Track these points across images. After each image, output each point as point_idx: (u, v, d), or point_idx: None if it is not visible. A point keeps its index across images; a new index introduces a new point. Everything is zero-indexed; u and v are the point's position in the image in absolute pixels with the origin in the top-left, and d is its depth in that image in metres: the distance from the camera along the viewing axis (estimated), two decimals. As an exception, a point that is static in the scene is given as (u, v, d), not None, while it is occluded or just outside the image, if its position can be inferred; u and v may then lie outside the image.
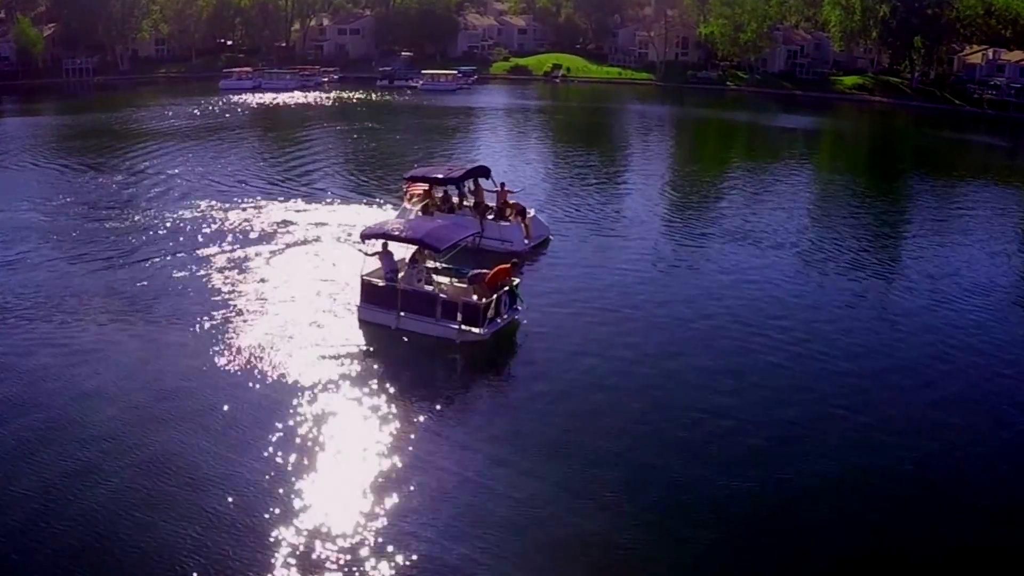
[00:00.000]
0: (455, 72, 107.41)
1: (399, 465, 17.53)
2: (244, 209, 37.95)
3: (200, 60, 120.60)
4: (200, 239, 33.09)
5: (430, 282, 25.19)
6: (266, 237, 33.43)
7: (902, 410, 20.51)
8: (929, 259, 33.71)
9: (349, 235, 33.71)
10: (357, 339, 23.79)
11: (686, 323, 25.38)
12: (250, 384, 20.93)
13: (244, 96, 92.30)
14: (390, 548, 15.01)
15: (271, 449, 17.95)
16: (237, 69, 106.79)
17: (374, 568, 14.55)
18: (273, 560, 14.66)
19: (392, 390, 20.82)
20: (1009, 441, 19.40)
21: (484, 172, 34.66)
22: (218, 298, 26.45)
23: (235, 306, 25.80)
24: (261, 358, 22.26)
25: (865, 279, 30.64)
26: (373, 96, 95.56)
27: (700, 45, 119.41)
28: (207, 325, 24.28)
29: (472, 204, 33.83)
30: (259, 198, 40.25)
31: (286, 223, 35.53)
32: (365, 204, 39.33)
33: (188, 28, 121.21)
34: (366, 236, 25.48)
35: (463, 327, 23.33)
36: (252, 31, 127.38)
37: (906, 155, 70.09)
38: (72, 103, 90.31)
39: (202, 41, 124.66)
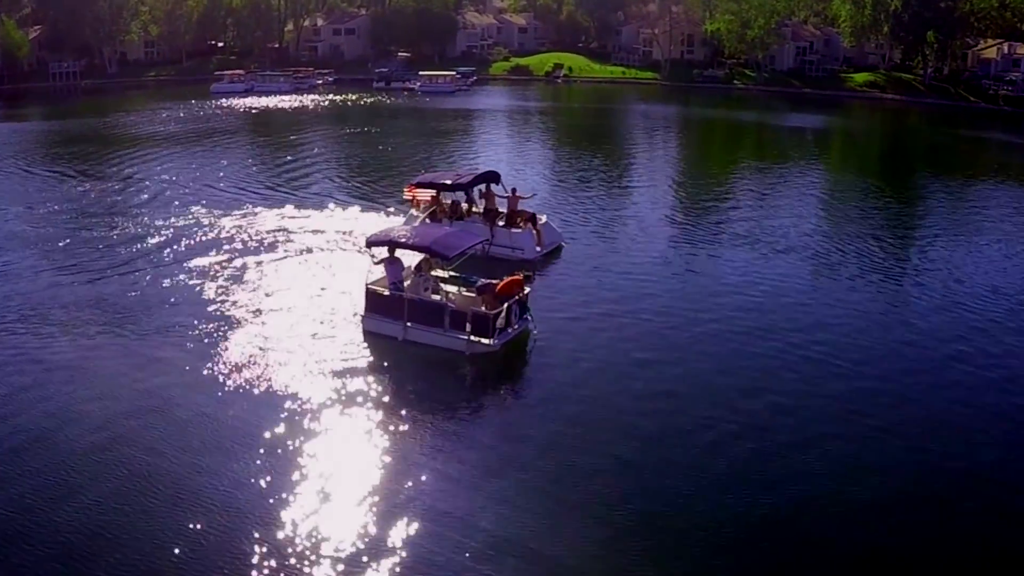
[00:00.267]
0: (453, 73, 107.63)
1: (404, 487, 17.34)
2: (238, 216, 37.99)
3: (191, 62, 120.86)
4: (193, 248, 33.13)
5: (437, 291, 25.18)
6: (262, 245, 33.44)
7: (914, 414, 20.62)
8: (943, 261, 33.68)
9: (346, 242, 33.81)
10: (362, 351, 23.67)
11: (697, 331, 25.31)
12: (247, 400, 20.81)
13: (236, 99, 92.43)
14: (396, 570, 14.96)
15: (269, 470, 17.81)
16: (229, 72, 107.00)
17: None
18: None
19: (399, 405, 20.71)
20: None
21: (494, 177, 34.46)
22: (212, 309, 26.41)
23: (231, 317, 25.74)
24: (259, 372, 22.16)
25: (877, 282, 30.64)
26: (369, 99, 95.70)
27: (706, 42, 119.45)
28: (201, 338, 24.21)
29: (482, 211, 33.68)
30: (253, 205, 40.30)
31: (282, 230, 35.56)
32: (362, 210, 39.35)
33: (178, 29, 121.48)
34: (372, 243, 25.42)
35: (473, 338, 23.19)
36: (244, 32, 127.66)
37: (919, 154, 70.06)
38: (58, 108, 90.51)
39: (193, 43, 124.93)
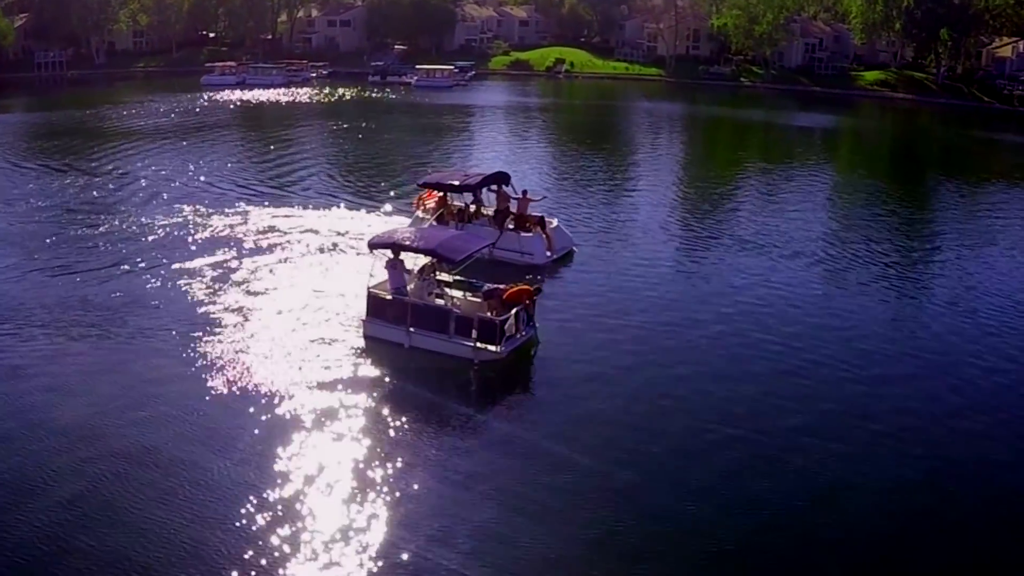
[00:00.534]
0: (452, 67, 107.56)
1: (408, 497, 17.25)
2: (228, 214, 37.95)
3: (181, 53, 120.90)
4: (181, 247, 33.05)
5: (441, 296, 25.03)
6: (253, 245, 33.37)
7: (920, 420, 20.78)
8: (955, 266, 33.76)
9: (341, 242, 33.72)
10: (363, 357, 23.52)
11: (705, 339, 25.35)
12: (239, 408, 20.61)
13: (227, 92, 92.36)
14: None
15: (264, 480, 17.65)
16: (220, 63, 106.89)
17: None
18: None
19: (403, 414, 20.56)
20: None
21: (503, 178, 34.14)
22: (202, 311, 26.28)
23: (221, 321, 25.59)
24: (252, 379, 21.93)
25: (886, 288, 30.67)
26: (364, 93, 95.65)
27: (712, 38, 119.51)
28: (190, 341, 24.07)
29: (492, 213, 33.40)
30: (244, 203, 40.26)
31: (274, 230, 35.49)
32: (357, 209, 39.32)
33: (168, 19, 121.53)
34: (374, 245, 25.26)
35: (479, 345, 23.07)
36: (236, 22, 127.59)
37: (931, 156, 70.15)
38: (44, 99, 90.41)
39: (183, 33, 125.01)
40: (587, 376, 22.71)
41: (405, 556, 15.54)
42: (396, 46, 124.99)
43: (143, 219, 37.22)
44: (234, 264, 30.92)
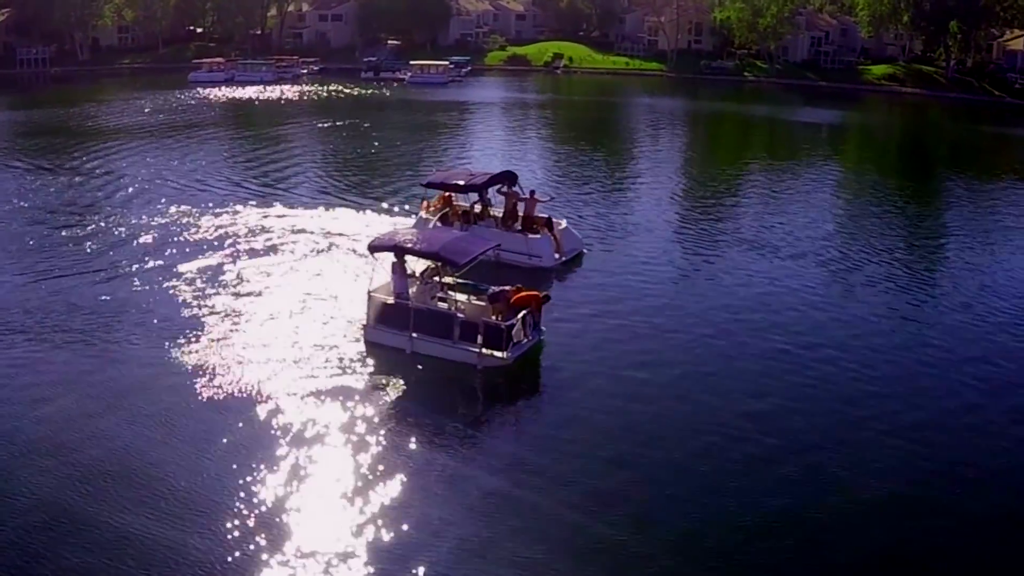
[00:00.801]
0: (447, 63, 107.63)
1: (412, 508, 17.12)
2: (218, 215, 37.89)
3: (167, 50, 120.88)
4: (170, 249, 32.95)
5: (444, 299, 24.89)
6: (245, 247, 33.26)
7: (936, 432, 20.63)
8: (965, 266, 33.77)
9: (336, 244, 33.63)
10: (364, 363, 23.33)
11: (711, 342, 25.31)
12: (233, 417, 20.41)
13: (216, 89, 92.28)
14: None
15: (261, 490, 17.50)
16: (208, 60, 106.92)
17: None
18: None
19: (405, 422, 20.40)
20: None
21: (511, 178, 33.96)
22: (193, 317, 26.13)
23: (213, 326, 25.42)
24: (246, 387, 21.71)
25: (894, 288, 30.68)
26: (357, 90, 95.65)
27: (715, 32, 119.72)
28: (181, 347, 23.92)
29: (501, 214, 33.14)
30: (235, 203, 40.20)
31: (266, 231, 35.40)
32: (350, 209, 39.25)
33: (154, 14, 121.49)
34: (375, 248, 25.11)
35: (485, 350, 22.91)
36: (224, 17, 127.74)
37: (941, 152, 70.26)
38: (26, 97, 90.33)
39: (170, 29, 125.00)
40: (594, 382, 22.56)
41: (405, 566, 15.46)
42: (389, 41, 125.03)
43: (130, 220, 37.16)
44: (225, 267, 30.81)
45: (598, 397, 21.82)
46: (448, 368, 23.07)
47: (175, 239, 34.32)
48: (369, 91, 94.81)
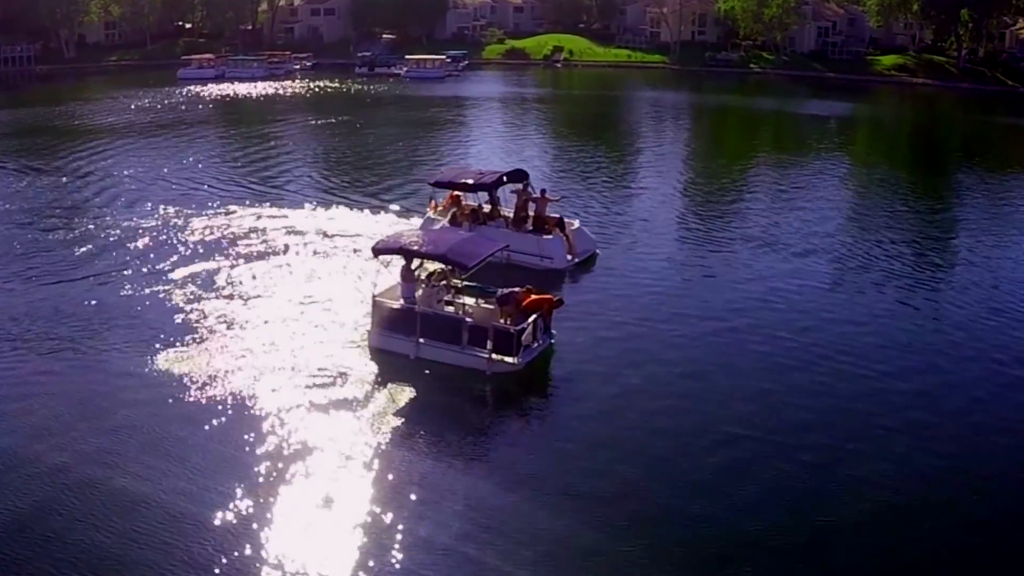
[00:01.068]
0: (443, 57, 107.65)
1: (417, 519, 16.97)
2: (211, 217, 37.82)
3: (156, 46, 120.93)
4: (161, 252, 32.83)
5: (451, 303, 24.80)
6: (240, 249, 33.09)
7: (948, 432, 20.70)
8: (980, 263, 33.68)
9: (333, 245, 33.49)
10: (369, 370, 23.12)
11: (721, 342, 25.30)
12: (227, 426, 20.20)
13: (206, 87, 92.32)
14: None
15: (256, 502, 17.27)
16: (197, 56, 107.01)
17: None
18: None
19: (412, 430, 20.24)
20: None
21: (522, 176, 33.70)
22: (186, 322, 25.96)
23: (207, 333, 25.22)
24: (241, 397, 21.44)
25: (906, 287, 30.62)
26: (351, 85, 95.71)
27: (719, 22, 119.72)
28: (172, 354, 23.72)
29: (512, 214, 32.87)
30: (227, 204, 40.12)
31: (260, 232, 35.28)
32: (347, 209, 39.09)
33: (142, 10, 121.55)
34: (380, 251, 24.91)
35: (494, 356, 22.76)
36: (214, 12, 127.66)
37: (953, 144, 70.21)
38: (11, 96, 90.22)
39: (158, 24, 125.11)
40: (607, 389, 22.40)
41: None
42: (384, 35, 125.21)
43: (118, 222, 37.06)
44: (218, 270, 30.62)
45: (611, 405, 21.63)
46: (456, 374, 22.86)
47: (165, 242, 34.21)
48: (363, 87, 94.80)
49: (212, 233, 35.19)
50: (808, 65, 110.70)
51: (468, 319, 23.54)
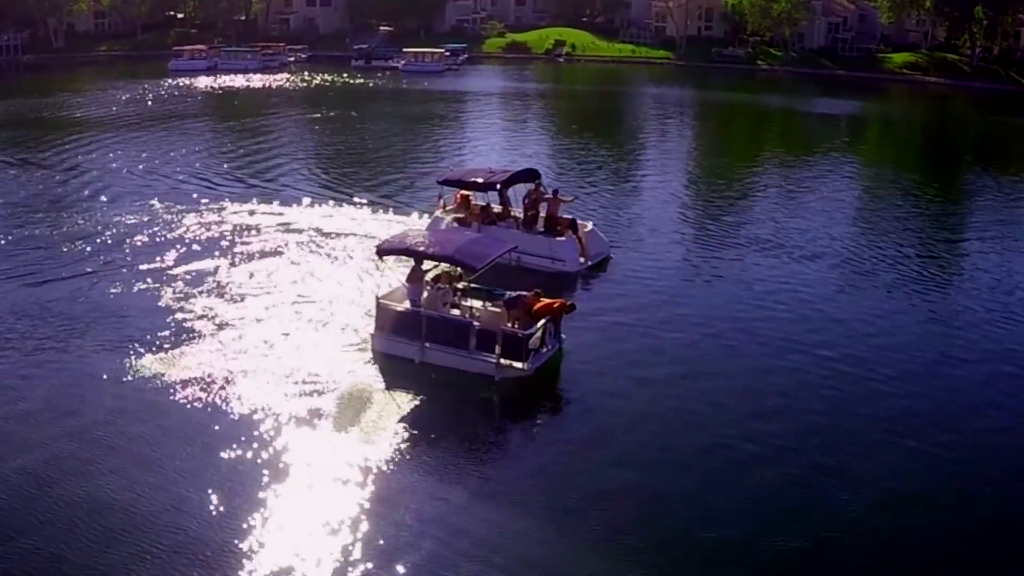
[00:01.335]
0: (442, 51, 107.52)
1: (424, 532, 16.84)
2: (201, 212, 37.78)
3: (146, 36, 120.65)
4: (150, 249, 32.81)
5: (456, 306, 24.69)
6: (234, 247, 33.06)
7: (956, 436, 20.85)
8: (992, 268, 33.71)
9: (331, 244, 33.44)
10: (372, 375, 23.02)
11: (731, 347, 25.37)
12: (221, 431, 20.01)
13: (198, 79, 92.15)
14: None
15: (253, 512, 17.09)
16: (189, 47, 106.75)
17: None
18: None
19: (417, 438, 20.05)
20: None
21: (533, 175, 33.62)
22: (178, 322, 25.83)
23: (200, 333, 25.10)
24: (235, 402, 21.26)
25: (916, 292, 30.69)
26: (347, 79, 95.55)
27: (726, 17, 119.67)
28: (163, 355, 23.62)
29: (522, 214, 32.75)
30: (218, 199, 40.11)
31: (255, 229, 35.22)
32: (343, 206, 39.08)
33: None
34: (384, 251, 24.92)
35: (503, 361, 22.67)
36: (206, 2, 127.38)
37: (966, 145, 70.22)
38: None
39: (149, 14, 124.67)
40: (619, 395, 22.34)
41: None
42: (381, 27, 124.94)
43: (109, 218, 37.03)
44: (213, 270, 30.50)
45: (623, 413, 21.53)
46: (463, 379, 22.76)
47: (156, 239, 34.16)
48: (360, 80, 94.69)
49: (205, 231, 35.12)
50: (817, 62, 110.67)
51: (476, 323, 23.43)
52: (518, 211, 33.33)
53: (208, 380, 22.35)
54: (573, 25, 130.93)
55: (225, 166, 48.82)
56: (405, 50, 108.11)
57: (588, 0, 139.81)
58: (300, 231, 35.06)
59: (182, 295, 28.01)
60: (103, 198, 40.93)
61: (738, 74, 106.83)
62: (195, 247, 33.04)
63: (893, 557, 16.51)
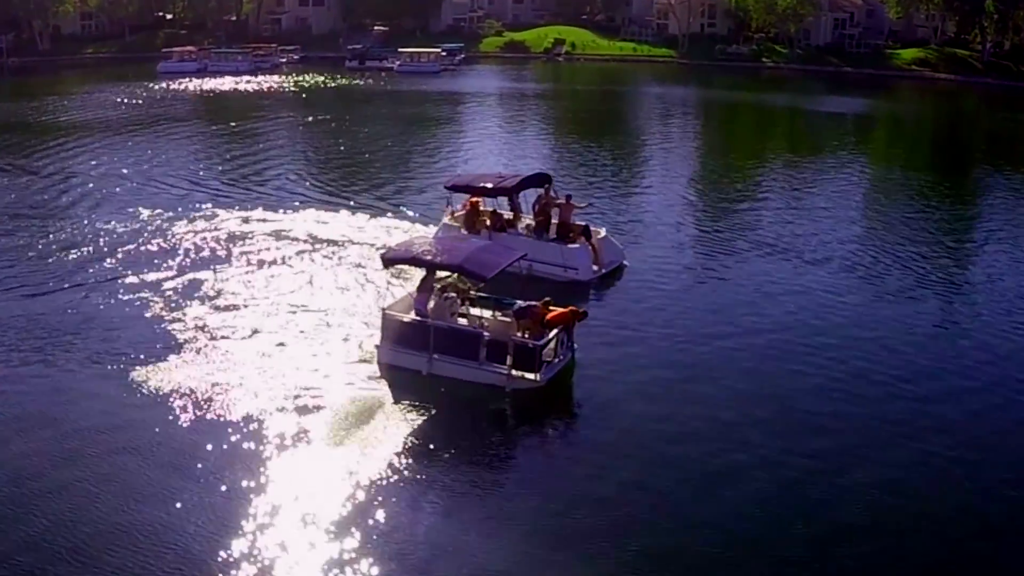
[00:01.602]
0: (438, 50, 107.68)
1: (431, 546, 16.80)
2: (192, 219, 37.74)
3: (135, 38, 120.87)
4: (139, 257, 32.76)
5: (465, 315, 24.61)
6: (227, 255, 32.97)
7: (963, 440, 20.94)
8: (1003, 271, 33.66)
9: (326, 250, 33.35)
10: (378, 388, 22.83)
11: (738, 352, 25.43)
12: (216, 446, 19.84)
13: (187, 81, 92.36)
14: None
15: (253, 535, 16.93)
16: (178, 49, 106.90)
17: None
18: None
19: (425, 452, 19.87)
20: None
21: (544, 180, 33.33)
22: (169, 333, 25.69)
23: (193, 344, 24.91)
24: (233, 416, 21.02)
25: (926, 296, 30.72)
26: (341, 80, 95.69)
27: (730, 14, 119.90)
28: (153, 368, 23.42)
29: (534, 220, 32.50)
30: (210, 205, 40.06)
31: (249, 237, 35.13)
32: (339, 211, 39.04)
33: (120, 0, 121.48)
34: (390, 260, 24.85)
35: (515, 372, 22.57)
36: (196, 3, 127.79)
37: (977, 143, 70.34)
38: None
39: (136, 15, 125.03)
40: (633, 407, 22.29)
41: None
42: (376, 27, 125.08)
43: (97, 225, 36.98)
44: (205, 277, 30.38)
45: (638, 424, 21.46)
46: (473, 391, 22.62)
47: (147, 247, 34.07)
48: (354, 81, 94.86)
49: (198, 238, 35.03)
50: (823, 59, 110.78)
51: (486, 334, 23.38)
52: (529, 217, 33.17)
53: (205, 394, 22.17)
54: (573, 23, 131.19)
55: (216, 171, 48.85)
56: (400, 50, 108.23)
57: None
58: (296, 239, 34.93)
59: (175, 305, 27.85)
60: (92, 206, 40.88)
61: (742, 72, 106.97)
62: (188, 256, 32.96)
63: (895, 564, 16.57)
